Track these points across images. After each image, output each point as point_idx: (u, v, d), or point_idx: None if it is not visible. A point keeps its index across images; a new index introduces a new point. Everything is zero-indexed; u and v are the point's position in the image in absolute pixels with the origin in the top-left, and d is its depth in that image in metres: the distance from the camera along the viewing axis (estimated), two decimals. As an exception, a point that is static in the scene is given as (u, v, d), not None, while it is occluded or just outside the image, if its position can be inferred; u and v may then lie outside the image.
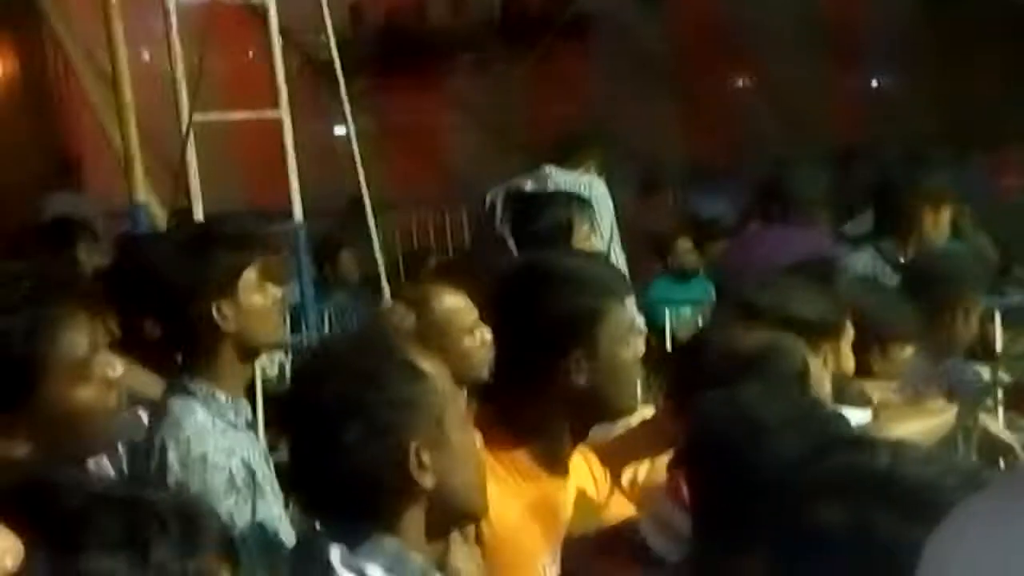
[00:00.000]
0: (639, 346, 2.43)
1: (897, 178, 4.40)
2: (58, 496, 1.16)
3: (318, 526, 1.87)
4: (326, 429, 1.77)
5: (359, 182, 5.22)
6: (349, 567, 1.74)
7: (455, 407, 1.85)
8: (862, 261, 4.14)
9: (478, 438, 1.96)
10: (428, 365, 1.83)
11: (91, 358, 1.78)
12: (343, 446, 1.74)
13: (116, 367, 1.82)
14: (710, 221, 7.44)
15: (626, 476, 2.52)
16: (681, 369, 2.54)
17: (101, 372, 1.79)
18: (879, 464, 1.52)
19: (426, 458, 1.77)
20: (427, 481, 1.77)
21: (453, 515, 1.86)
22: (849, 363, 2.88)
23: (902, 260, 4.14)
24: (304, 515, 2.11)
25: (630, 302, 2.49)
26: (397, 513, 1.78)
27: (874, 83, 11.21)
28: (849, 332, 2.93)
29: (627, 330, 2.36)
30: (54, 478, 1.21)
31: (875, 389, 3.11)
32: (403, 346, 1.85)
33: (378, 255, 5.07)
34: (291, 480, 1.93)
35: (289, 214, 5.12)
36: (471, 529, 2.11)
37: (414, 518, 1.79)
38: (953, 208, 4.40)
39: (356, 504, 1.77)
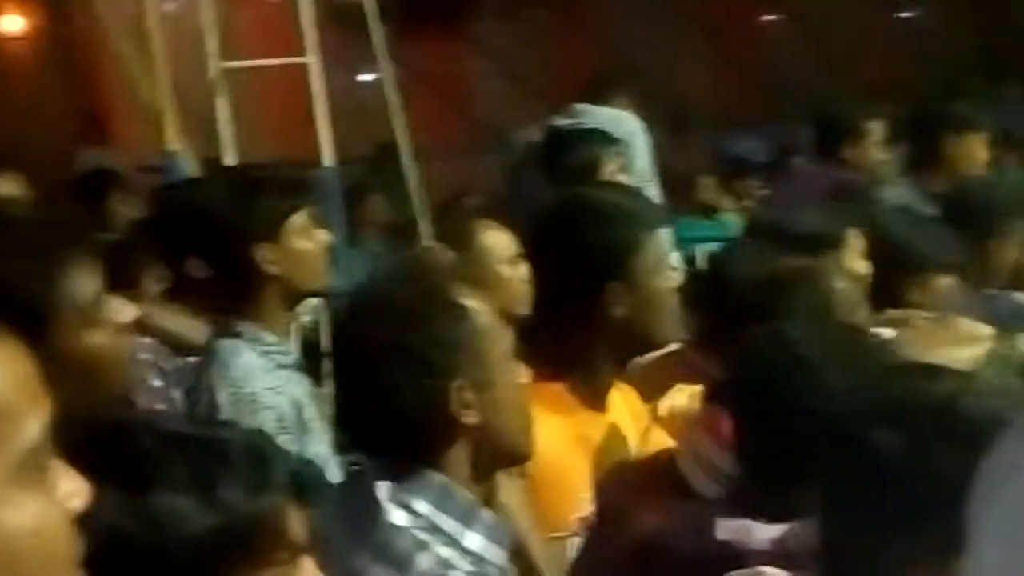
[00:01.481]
0: (675, 277, 2.44)
1: (927, 111, 4.36)
2: (129, 436, 1.17)
3: (365, 462, 1.89)
4: (370, 369, 1.78)
5: (389, 129, 5.21)
6: (397, 502, 1.75)
7: (501, 345, 1.84)
8: (897, 194, 4.11)
9: (524, 375, 1.95)
10: (473, 303, 1.82)
11: (98, 303, 1.76)
12: (387, 386, 1.76)
13: (125, 312, 1.81)
14: (742, 159, 7.39)
15: (663, 407, 2.52)
16: (705, 298, 2.57)
17: (109, 317, 1.77)
18: (938, 393, 1.52)
19: (470, 397, 1.77)
20: (471, 420, 1.78)
21: (499, 454, 1.87)
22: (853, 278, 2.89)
23: (937, 192, 4.12)
24: (351, 452, 2.12)
25: (664, 234, 2.49)
26: (443, 451, 1.79)
27: (909, 15, 11.04)
28: (853, 246, 2.95)
29: (662, 261, 2.38)
30: (125, 418, 1.22)
31: (914, 319, 3.10)
32: (447, 285, 1.85)
33: (414, 197, 5.07)
34: (338, 418, 1.95)
35: (319, 161, 5.12)
36: (517, 463, 2.11)
37: (460, 455, 1.80)
38: (988, 138, 4.35)
39: (402, 442, 1.78)
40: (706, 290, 2.67)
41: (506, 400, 1.83)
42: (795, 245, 2.75)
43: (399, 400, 1.76)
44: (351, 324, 1.89)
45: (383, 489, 1.76)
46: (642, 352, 2.52)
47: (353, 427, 1.88)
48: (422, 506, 1.75)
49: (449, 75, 10.28)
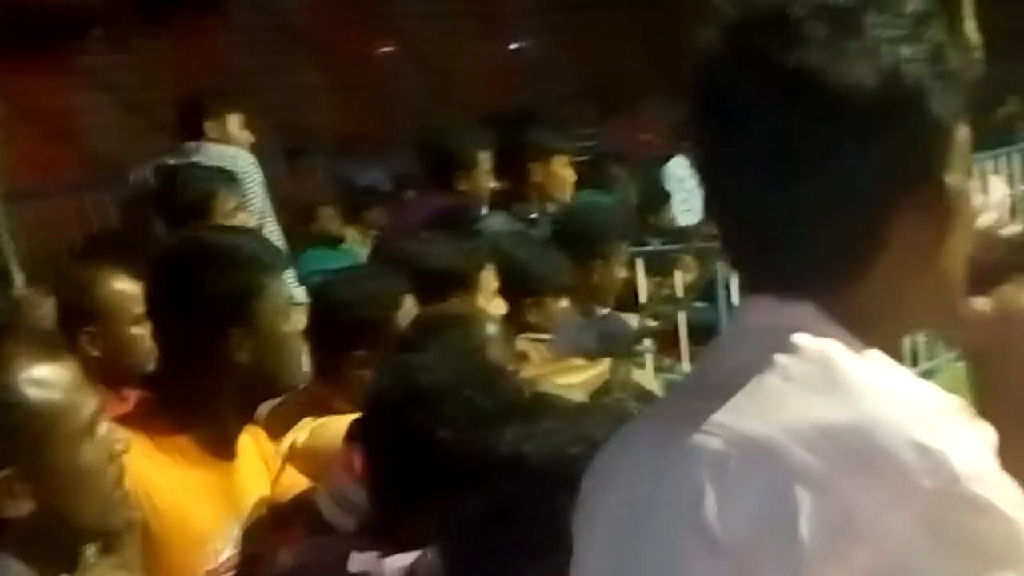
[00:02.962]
0: (298, 319, 2.43)
1: (508, 140, 4.42)
2: None
3: None
4: None
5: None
6: None
7: (72, 422, 1.72)
8: (497, 222, 4.19)
9: (127, 435, 1.84)
10: (45, 374, 1.70)
11: None
12: None
13: None
14: (364, 189, 7.44)
15: (284, 444, 2.51)
16: (320, 330, 2.60)
17: None
18: (505, 442, 1.62)
19: (20, 487, 1.67)
20: (22, 509, 1.68)
21: (72, 534, 1.78)
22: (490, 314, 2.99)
23: (533, 217, 4.28)
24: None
25: (286, 275, 2.48)
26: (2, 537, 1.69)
27: (517, 45, 11.49)
28: (487, 284, 3.05)
29: (284, 303, 2.36)
30: None
31: (530, 342, 3.23)
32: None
33: (6, 244, 4.78)
34: None
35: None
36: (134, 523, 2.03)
37: (18, 539, 1.69)
38: (572, 162, 4.53)
39: None
40: (320, 324, 2.69)
41: (75, 479, 1.73)
42: (426, 282, 2.81)
43: None
44: None
45: None
46: (269, 396, 2.49)
47: None
48: None
49: (59, 110, 9.81)
